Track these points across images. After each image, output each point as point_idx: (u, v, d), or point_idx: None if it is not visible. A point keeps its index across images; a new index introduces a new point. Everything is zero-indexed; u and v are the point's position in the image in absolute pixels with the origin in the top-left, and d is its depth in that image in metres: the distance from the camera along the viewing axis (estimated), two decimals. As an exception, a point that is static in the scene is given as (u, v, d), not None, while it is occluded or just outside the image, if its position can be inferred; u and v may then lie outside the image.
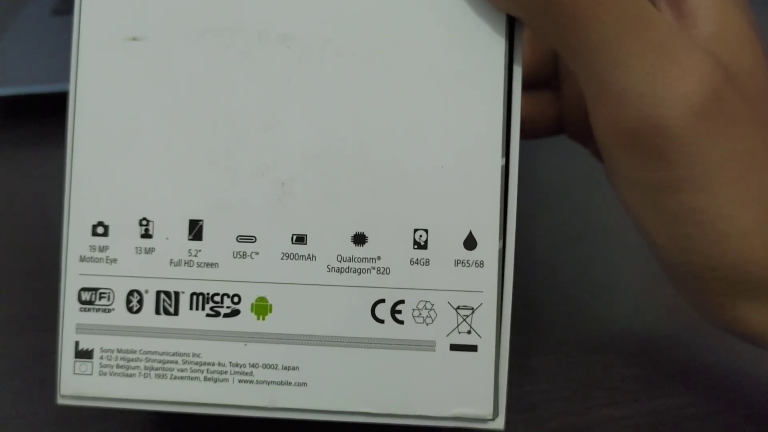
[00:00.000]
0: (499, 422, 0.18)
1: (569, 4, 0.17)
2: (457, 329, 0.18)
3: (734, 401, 0.23)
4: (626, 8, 0.17)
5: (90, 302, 0.19)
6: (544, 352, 0.25)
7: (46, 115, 0.40)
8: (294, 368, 0.18)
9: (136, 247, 0.19)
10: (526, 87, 0.19)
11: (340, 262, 0.18)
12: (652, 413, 0.23)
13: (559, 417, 0.23)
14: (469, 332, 0.18)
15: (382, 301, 0.18)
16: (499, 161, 0.18)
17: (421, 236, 0.18)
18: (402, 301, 0.18)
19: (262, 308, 0.18)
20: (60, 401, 0.19)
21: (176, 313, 0.19)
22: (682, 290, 0.21)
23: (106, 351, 0.19)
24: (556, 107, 0.25)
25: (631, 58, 0.17)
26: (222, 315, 0.18)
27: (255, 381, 0.18)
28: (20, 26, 0.44)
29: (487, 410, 0.18)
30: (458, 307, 0.18)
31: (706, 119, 0.18)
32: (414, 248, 0.18)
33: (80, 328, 0.19)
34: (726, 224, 0.18)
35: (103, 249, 0.19)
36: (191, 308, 0.19)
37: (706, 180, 0.18)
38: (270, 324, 0.18)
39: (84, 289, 0.19)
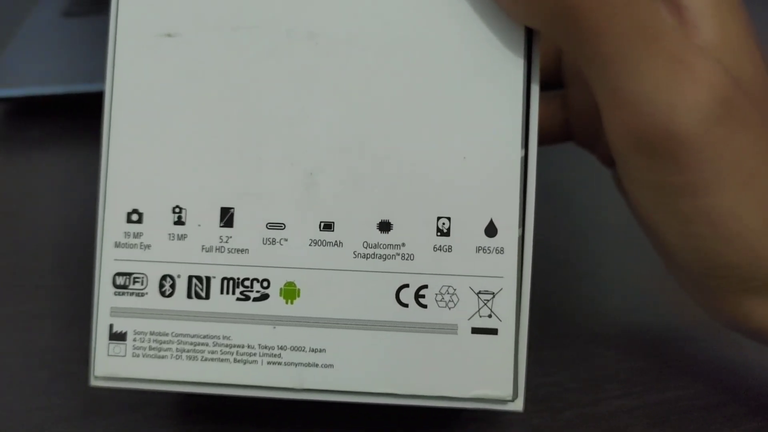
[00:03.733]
0: (518, 403, 0.19)
1: (584, 18, 0.17)
2: (478, 313, 0.19)
3: (740, 393, 0.24)
4: (639, 20, 0.18)
5: (124, 286, 0.19)
6: (556, 346, 0.26)
7: (57, 116, 0.41)
8: (321, 350, 0.19)
9: (170, 234, 0.19)
10: None
11: (365, 248, 0.19)
12: (662, 404, 0.24)
13: (572, 408, 0.24)
14: (489, 316, 0.19)
15: (407, 286, 0.19)
16: (519, 153, 0.19)
17: (444, 224, 0.19)
18: (425, 286, 0.19)
19: (290, 293, 0.19)
20: (93, 383, 0.19)
21: (207, 297, 0.19)
22: (690, 288, 0.22)
23: (139, 333, 0.19)
24: (563, 115, 0.26)
25: (643, 67, 0.18)
26: (251, 299, 0.19)
27: (283, 363, 0.19)
28: (31, 27, 0.44)
29: (507, 392, 0.19)
30: (479, 292, 0.19)
31: (718, 125, 0.18)
32: (437, 235, 0.19)
33: (114, 312, 0.19)
34: (737, 224, 0.19)
35: (137, 235, 0.19)
36: (222, 292, 0.19)
37: (718, 182, 0.18)
38: (298, 308, 0.19)
39: (118, 274, 0.19)
